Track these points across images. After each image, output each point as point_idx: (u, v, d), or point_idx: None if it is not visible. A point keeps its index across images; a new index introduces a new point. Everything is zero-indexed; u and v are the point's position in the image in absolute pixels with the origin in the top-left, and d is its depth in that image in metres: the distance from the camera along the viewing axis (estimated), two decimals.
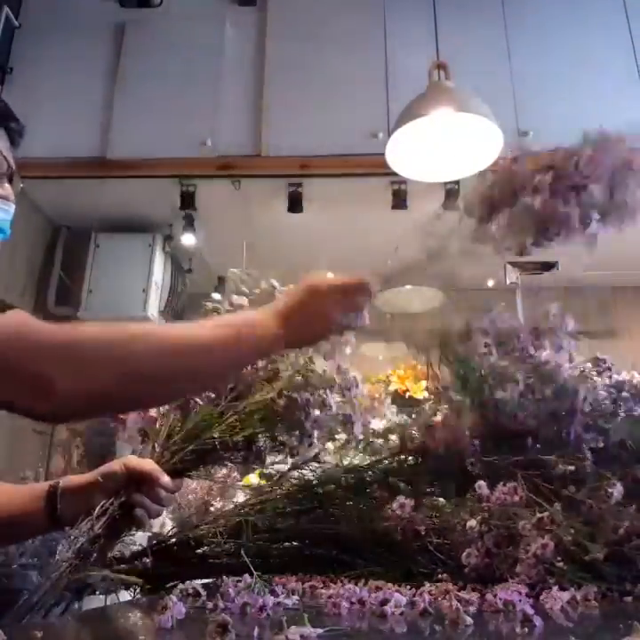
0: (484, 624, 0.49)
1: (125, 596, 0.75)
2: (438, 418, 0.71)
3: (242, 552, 0.63)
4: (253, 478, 2.14)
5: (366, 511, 0.70)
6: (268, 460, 0.83)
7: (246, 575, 0.56)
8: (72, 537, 0.69)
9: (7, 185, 0.78)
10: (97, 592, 0.81)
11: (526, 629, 0.46)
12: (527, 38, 2.61)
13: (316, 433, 0.82)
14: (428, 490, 0.72)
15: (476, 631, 0.47)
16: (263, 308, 0.72)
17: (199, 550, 0.73)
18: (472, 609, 0.50)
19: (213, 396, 0.82)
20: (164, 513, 2.11)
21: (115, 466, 0.78)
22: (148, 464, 0.77)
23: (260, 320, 0.69)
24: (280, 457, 0.85)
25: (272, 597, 0.51)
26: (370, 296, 0.76)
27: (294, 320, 0.70)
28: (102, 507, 0.72)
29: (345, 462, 0.82)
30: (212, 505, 2.10)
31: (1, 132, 0.79)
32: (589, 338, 3.53)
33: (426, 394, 2.70)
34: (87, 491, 0.78)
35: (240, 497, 2.00)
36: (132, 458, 0.79)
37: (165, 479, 0.75)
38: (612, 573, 0.54)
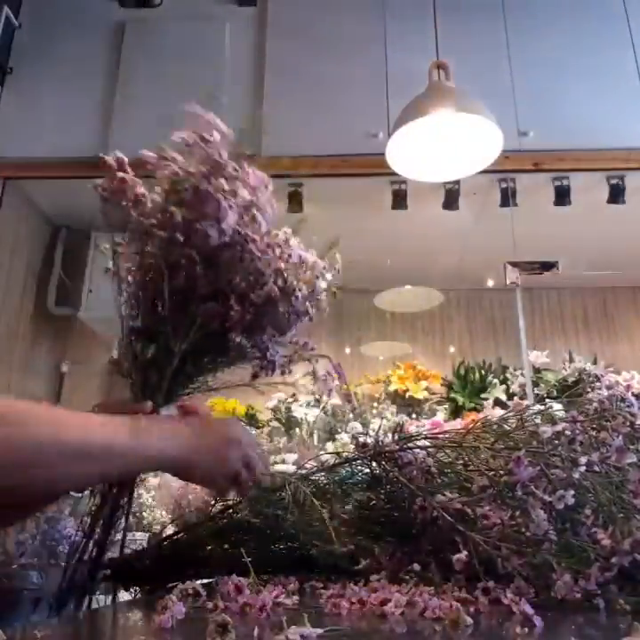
0: (484, 624, 0.49)
1: (125, 595, 0.75)
2: None
3: (242, 551, 0.63)
4: None
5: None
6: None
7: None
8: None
9: None
10: (97, 592, 0.81)
11: (526, 629, 0.46)
12: (527, 38, 2.61)
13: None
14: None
15: (476, 631, 0.47)
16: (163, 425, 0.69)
17: (199, 550, 0.73)
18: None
19: None
20: (165, 513, 2.11)
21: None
22: (122, 401, 0.77)
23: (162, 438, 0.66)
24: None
25: (272, 597, 0.51)
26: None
27: (197, 456, 0.68)
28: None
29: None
30: (212, 505, 2.10)
31: None
32: (589, 338, 3.54)
33: (426, 394, 2.70)
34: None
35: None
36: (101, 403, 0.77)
37: (140, 405, 0.74)
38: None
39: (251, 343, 0.77)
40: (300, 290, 0.76)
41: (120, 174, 0.75)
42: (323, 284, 0.82)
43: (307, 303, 0.78)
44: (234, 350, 0.76)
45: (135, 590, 0.74)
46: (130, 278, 0.78)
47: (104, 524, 0.71)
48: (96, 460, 0.61)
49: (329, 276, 0.84)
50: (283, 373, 0.82)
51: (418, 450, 0.66)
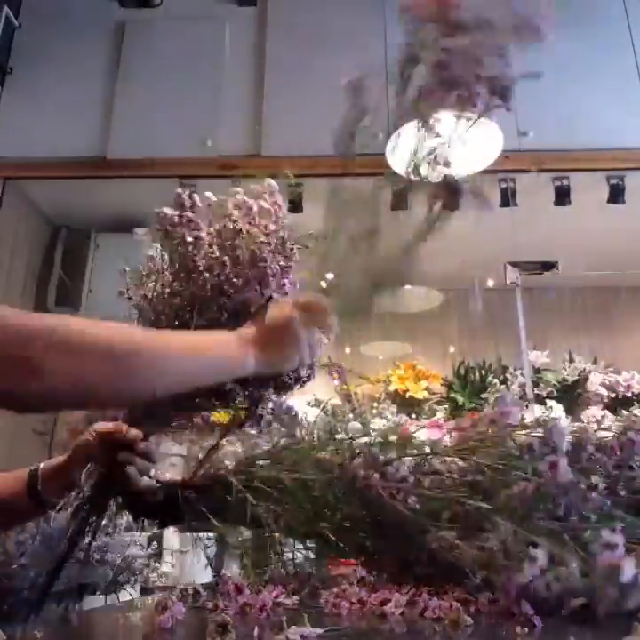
0: (484, 624, 0.49)
1: (125, 595, 0.75)
2: None
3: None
4: None
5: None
6: None
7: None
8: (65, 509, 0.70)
9: None
10: (97, 592, 0.81)
11: (526, 629, 0.46)
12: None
13: None
14: None
15: (476, 631, 0.47)
16: (229, 333, 0.72)
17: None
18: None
19: None
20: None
21: (85, 436, 0.79)
22: (114, 423, 0.77)
23: (227, 343, 0.70)
24: None
25: (272, 597, 0.51)
26: (327, 312, 0.79)
27: (263, 344, 0.71)
28: (88, 469, 0.74)
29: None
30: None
31: None
32: (589, 338, 3.54)
33: (426, 394, 2.70)
34: (64, 467, 0.81)
35: None
36: (98, 424, 0.79)
37: (132, 432, 0.75)
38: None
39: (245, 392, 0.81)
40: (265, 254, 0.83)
41: (188, 214, 0.83)
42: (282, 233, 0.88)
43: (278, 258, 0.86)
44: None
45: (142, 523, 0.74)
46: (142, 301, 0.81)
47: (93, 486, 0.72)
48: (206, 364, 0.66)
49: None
50: (260, 431, 0.84)
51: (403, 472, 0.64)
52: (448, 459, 0.65)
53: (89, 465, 0.76)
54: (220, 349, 0.69)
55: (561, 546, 0.49)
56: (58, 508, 0.76)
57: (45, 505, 0.81)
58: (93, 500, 0.72)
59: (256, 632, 0.44)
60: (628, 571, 0.45)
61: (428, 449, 0.67)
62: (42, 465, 0.84)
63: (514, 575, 0.47)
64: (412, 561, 0.59)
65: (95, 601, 0.77)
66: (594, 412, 2.31)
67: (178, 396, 0.70)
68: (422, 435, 0.82)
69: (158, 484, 0.72)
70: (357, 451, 0.67)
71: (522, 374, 2.54)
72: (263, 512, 0.61)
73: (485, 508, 0.56)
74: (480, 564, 0.52)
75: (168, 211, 0.81)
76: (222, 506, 0.66)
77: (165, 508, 0.70)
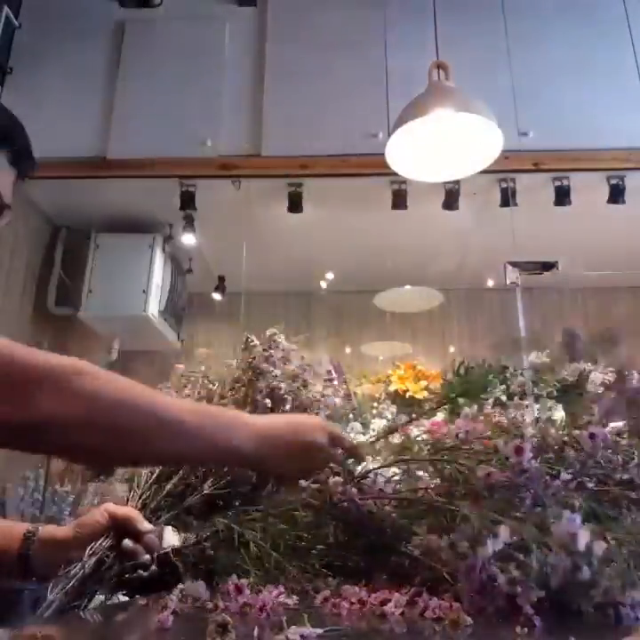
0: (484, 624, 0.49)
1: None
2: None
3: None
4: None
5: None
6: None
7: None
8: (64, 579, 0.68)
9: None
10: (97, 592, 0.81)
11: (526, 629, 0.46)
12: (527, 38, 2.61)
13: None
14: None
15: (476, 631, 0.47)
16: (250, 419, 0.68)
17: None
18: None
19: None
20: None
21: (96, 516, 0.76)
22: (128, 510, 0.75)
23: (242, 433, 0.65)
24: None
25: (272, 597, 0.51)
26: (356, 455, 0.72)
27: (273, 449, 0.66)
28: (91, 549, 0.71)
29: None
30: None
31: (8, 170, 0.73)
32: (589, 338, 3.53)
33: (426, 394, 2.70)
34: (65, 545, 0.76)
35: None
36: (111, 505, 0.76)
37: (145, 526, 0.73)
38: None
39: None
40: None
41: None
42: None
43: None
44: None
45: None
46: None
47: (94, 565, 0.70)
48: (168, 435, 0.60)
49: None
50: None
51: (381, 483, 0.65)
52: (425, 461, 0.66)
53: (97, 543, 0.72)
54: (237, 442, 0.64)
55: (523, 528, 0.51)
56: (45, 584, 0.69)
57: (33, 572, 0.76)
58: (93, 575, 0.70)
59: (256, 632, 0.44)
60: (581, 539, 0.47)
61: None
62: (40, 529, 0.79)
63: (477, 554, 0.48)
64: (401, 568, 0.59)
65: (95, 601, 0.76)
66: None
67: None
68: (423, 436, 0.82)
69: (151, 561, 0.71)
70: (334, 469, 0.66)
71: (522, 374, 2.54)
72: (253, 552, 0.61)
73: (455, 502, 0.58)
74: (449, 563, 0.53)
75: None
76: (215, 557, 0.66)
77: (161, 577, 0.70)
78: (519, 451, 0.58)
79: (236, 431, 0.64)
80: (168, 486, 0.77)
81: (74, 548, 0.73)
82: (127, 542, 0.72)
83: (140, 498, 0.78)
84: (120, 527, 0.73)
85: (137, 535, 0.73)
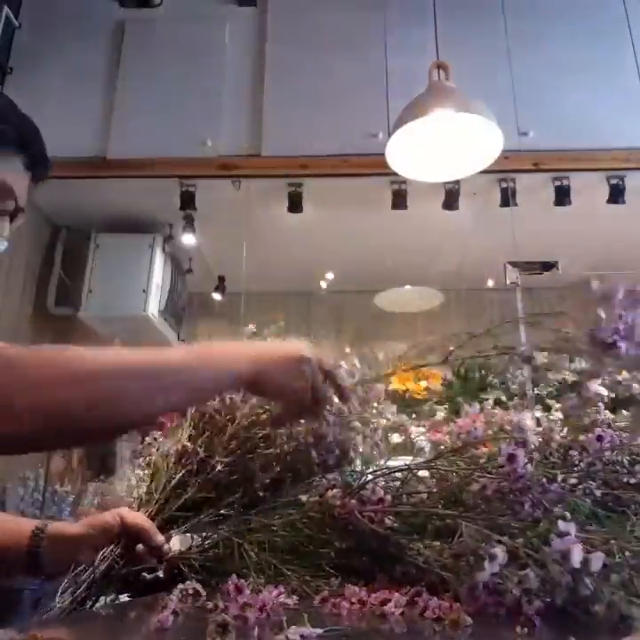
0: (484, 624, 0.49)
1: (125, 596, 0.75)
2: None
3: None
4: None
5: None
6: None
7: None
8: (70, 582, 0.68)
9: (6, 223, 0.75)
10: (102, 595, 0.81)
11: (526, 629, 0.46)
12: (527, 38, 2.61)
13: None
14: None
15: (476, 631, 0.47)
16: (230, 344, 0.72)
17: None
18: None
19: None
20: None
21: (108, 517, 0.74)
22: (142, 519, 0.74)
23: (224, 353, 0.68)
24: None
25: (272, 596, 0.51)
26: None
27: (267, 365, 0.67)
28: (102, 554, 0.70)
29: None
30: None
31: (24, 174, 0.75)
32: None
33: (426, 394, 2.70)
34: (74, 542, 0.75)
35: None
36: (125, 510, 0.75)
37: (159, 539, 0.72)
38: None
39: None
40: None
41: None
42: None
43: None
44: None
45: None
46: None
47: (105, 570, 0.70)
48: (160, 378, 0.61)
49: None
50: None
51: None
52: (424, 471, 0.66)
53: (108, 548, 0.71)
54: (226, 364, 0.66)
55: (520, 541, 0.50)
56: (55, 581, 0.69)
57: (41, 569, 0.75)
58: (102, 580, 0.70)
59: (256, 632, 0.44)
60: (575, 555, 0.45)
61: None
62: (49, 526, 0.78)
63: (474, 574, 0.48)
64: (405, 573, 0.59)
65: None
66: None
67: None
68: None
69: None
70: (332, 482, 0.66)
71: (522, 374, 2.54)
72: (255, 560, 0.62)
73: (452, 514, 0.57)
74: (451, 570, 0.52)
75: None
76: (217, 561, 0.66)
77: (163, 579, 0.70)
78: (512, 458, 0.56)
79: (230, 355, 0.67)
80: (185, 495, 0.74)
81: (84, 546, 0.72)
82: (140, 548, 0.72)
83: (156, 502, 0.75)
84: (132, 535, 0.72)
85: (147, 543, 0.72)
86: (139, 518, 0.73)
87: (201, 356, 0.66)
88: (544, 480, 0.57)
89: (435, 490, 0.64)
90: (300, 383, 0.68)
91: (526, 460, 0.56)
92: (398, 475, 0.66)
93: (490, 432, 0.69)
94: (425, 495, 0.64)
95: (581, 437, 0.64)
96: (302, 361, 0.68)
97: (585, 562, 0.46)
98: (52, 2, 2.82)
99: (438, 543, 0.56)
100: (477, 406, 0.75)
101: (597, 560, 0.46)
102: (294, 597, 0.55)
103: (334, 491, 0.64)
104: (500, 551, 0.48)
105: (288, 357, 0.68)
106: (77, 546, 0.73)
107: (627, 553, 0.48)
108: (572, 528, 0.47)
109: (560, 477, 0.58)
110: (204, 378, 0.65)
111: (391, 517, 0.61)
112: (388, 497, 0.62)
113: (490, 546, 0.50)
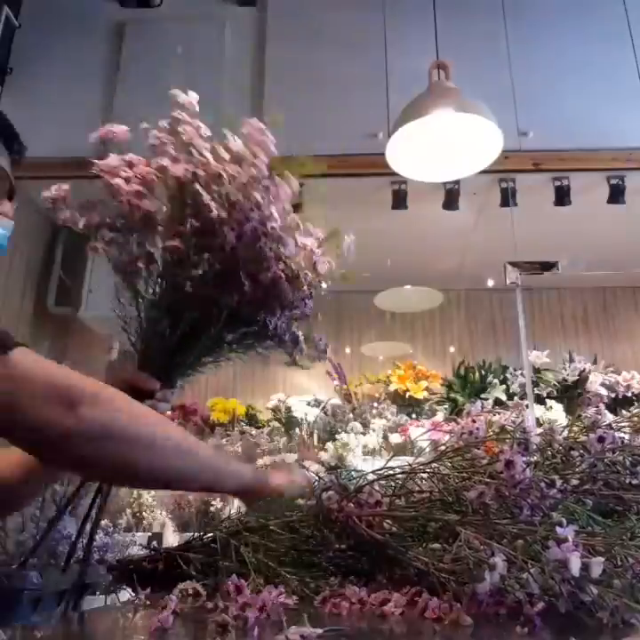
0: (484, 624, 0.49)
1: (125, 595, 0.75)
2: None
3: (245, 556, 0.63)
4: None
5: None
6: None
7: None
8: None
9: (6, 202, 0.82)
10: (97, 592, 0.81)
11: (526, 629, 0.46)
12: (527, 38, 2.61)
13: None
14: None
15: (476, 631, 0.47)
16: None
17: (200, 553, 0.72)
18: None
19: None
20: (165, 513, 2.11)
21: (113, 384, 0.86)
22: (135, 373, 0.86)
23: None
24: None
25: (272, 597, 0.51)
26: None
27: (264, 483, 0.78)
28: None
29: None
30: (211, 504, 2.11)
31: (2, 149, 0.82)
32: (589, 338, 3.53)
33: (426, 394, 2.70)
34: None
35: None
36: (121, 373, 0.88)
37: (152, 382, 0.84)
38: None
39: (269, 325, 0.85)
40: (302, 272, 0.87)
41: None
42: (322, 267, 0.94)
43: (307, 282, 0.89)
44: (256, 331, 0.85)
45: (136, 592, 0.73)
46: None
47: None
48: (196, 461, 0.70)
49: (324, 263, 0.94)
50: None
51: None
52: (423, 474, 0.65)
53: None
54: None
55: (519, 548, 0.50)
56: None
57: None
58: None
59: (256, 632, 0.44)
60: (574, 564, 0.45)
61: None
62: None
63: (475, 582, 0.48)
64: (402, 575, 0.59)
65: (95, 601, 0.76)
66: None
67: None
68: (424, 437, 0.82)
69: (155, 553, 0.73)
70: (328, 484, 0.67)
71: (522, 374, 2.54)
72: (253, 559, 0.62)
73: (450, 519, 0.57)
74: (451, 574, 0.52)
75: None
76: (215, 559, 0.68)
77: (165, 572, 0.71)
78: (510, 465, 0.56)
79: (236, 465, 0.77)
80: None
81: None
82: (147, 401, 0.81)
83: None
84: (134, 390, 0.81)
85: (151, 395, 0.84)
86: (132, 374, 0.86)
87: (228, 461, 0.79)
88: (543, 485, 0.57)
89: (435, 491, 0.63)
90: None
91: (525, 466, 0.56)
92: (399, 476, 0.66)
93: (490, 432, 0.68)
94: (423, 497, 0.63)
95: (582, 438, 0.64)
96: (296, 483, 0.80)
97: (585, 567, 0.45)
98: (52, 2, 2.82)
99: (438, 546, 0.56)
100: (479, 403, 0.75)
101: (597, 566, 0.45)
102: (294, 597, 0.55)
103: (330, 493, 0.64)
104: (499, 561, 0.48)
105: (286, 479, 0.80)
106: None
107: (629, 559, 0.48)
108: (570, 534, 0.47)
109: (559, 482, 0.57)
110: (223, 477, 0.76)
111: (389, 522, 0.61)
112: (386, 500, 0.62)
113: (489, 553, 0.49)
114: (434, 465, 0.65)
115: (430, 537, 0.59)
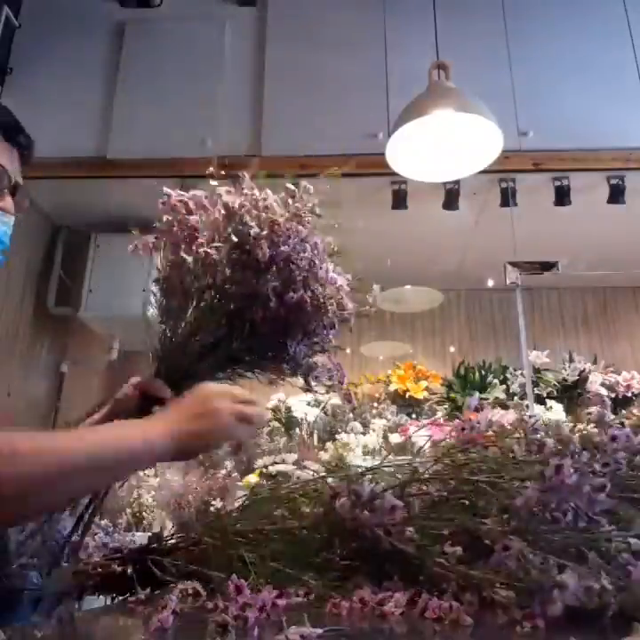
0: (484, 624, 0.49)
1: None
2: None
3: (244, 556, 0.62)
4: (253, 478, 2.14)
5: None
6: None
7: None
8: None
9: (8, 198, 0.81)
10: (97, 593, 0.81)
11: (526, 629, 0.46)
12: (527, 38, 2.61)
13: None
14: None
15: (476, 631, 0.47)
16: (153, 419, 0.73)
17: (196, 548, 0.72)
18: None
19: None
20: (164, 513, 2.11)
21: (125, 389, 0.87)
22: (149, 379, 0.86)
23: (151, 436, 0.69)
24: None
25: (272, 597, 0.51)
26: (257, 418, 0.78)
27: (185, 430, 0.70)
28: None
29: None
30: (212, 504, 2.11)
31: (6, 145, 0.81)
32: (589, 338, 3.53)
33: (426, 394, 2.70)
34: (107, 419, 0.85)
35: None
36: (133, 378, 0.89)
37: (165, 389, 0.83)
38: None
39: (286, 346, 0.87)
40: (328, 303, 0.90)
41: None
42: (349, 305, 0.95)
43: (331, 315, 0.92)
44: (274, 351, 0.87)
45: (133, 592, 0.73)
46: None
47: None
48: (108, 469, 0.66)
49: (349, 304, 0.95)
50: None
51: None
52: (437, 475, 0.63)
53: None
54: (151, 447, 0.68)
55: (583, 560, 0.48)
56: None
57: None
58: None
59: (256, 632, 0.44)
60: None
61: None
62: (87, 421, 0.88)
63: (545, 603, 0.46)
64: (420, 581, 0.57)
65: (95, 601, 0.76)
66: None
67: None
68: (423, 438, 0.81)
69: (123, 554, 0.72)
70: (337, 490, 0.63)
71: (522, 374, 2.54)
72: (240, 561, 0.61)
73: (489, 528, 0.54)
74: (492, 584, 0.50)
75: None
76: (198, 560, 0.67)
77: (136, 576, 0.71)
78: (559, 469, 0.52)
79: (145, 427, 0.69)
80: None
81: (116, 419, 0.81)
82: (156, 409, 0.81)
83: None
84: (146, 395, 0.84)
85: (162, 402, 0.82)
86: (145, 380, 0.86)
87: (117, 446, 0.66)
88: (589, 488, 0.53)
89: (451, 493, 0.61)
90: (220, 436, 0.75)
91: (573, 470, 0.53)
92: (414, 478, 0.63)
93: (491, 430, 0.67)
94: (437, 498, 0.61)
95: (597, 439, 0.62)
96: (216, 414, 0.72)
97: None
98: (51, 2, 2.81)
99: (457, 549, 0.54)
100: (477, 395, 0.73)
101: None
102: (294, 597, 0.55)
103: (342, 500, 0.60)
104: (570, 579, 0.46)
105: (202, 416, 0.72)
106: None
107: None
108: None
109: (609, 485, 0.54)
110: (126, 469, 0.71)
111: (411, 529, 0.57)
112: (401, 504, 0.58)
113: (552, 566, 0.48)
114: (451, 463, 0.63)
115: (446, 539, 0.57)
